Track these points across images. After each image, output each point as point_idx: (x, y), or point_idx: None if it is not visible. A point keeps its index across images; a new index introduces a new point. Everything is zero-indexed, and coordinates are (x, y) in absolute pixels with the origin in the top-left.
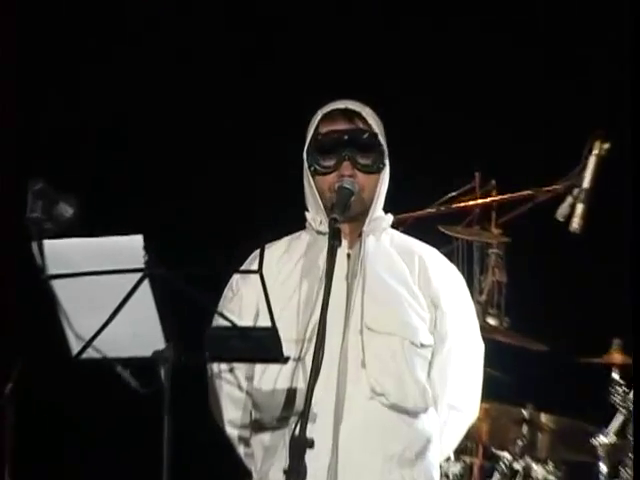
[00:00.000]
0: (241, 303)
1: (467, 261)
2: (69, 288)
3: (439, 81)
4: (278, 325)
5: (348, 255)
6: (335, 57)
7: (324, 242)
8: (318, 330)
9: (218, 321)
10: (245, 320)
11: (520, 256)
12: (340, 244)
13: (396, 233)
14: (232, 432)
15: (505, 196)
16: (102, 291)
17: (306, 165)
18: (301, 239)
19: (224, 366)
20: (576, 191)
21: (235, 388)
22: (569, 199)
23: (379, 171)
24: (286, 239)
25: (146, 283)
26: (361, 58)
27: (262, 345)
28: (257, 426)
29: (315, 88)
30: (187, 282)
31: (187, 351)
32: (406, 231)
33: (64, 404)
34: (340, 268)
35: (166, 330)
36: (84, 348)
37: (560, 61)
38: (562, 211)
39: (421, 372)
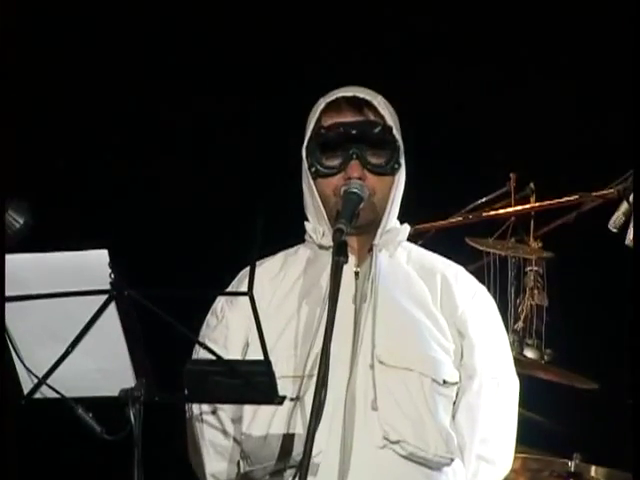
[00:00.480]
0: (227, 332)
1: (500, 281)
2: (20, 313)
3: (467, 66)
4: (272, 358)
5: (356, 274)
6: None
7: (327, 258)
8: (320, 364)
9: (199, 353)
10: (232, 352)
11: (564, 275)
12: (347, 260)
13: (414, 247)
14: None
15: (546, 203)
16: (60, 317)
17: (305, 165)
18: (299, 254)
19: (206, 407)
20: (632, 197)
21: (219, 434)
22: (624, 206)
23: (393, 172)
24: (281, 255)
25: (112, 307)
26: (377, 40)
27: (252, 383)
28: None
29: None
30: (162, 306)
31: (161, 389)
32: (427, 244)
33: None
34: (347, 289)
35: (136, 364)
36: (37, 386)
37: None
38: (615, 221)
39: (445, 415)
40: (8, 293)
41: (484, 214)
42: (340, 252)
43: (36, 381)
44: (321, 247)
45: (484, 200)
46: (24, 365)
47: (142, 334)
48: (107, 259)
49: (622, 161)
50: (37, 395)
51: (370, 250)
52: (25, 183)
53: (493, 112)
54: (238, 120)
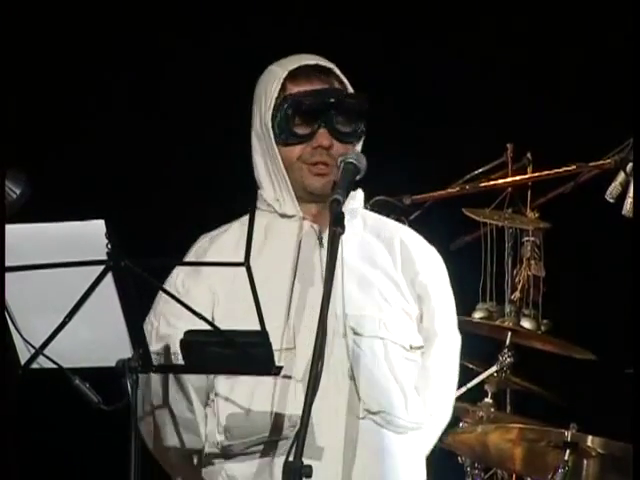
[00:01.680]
0: (194, 306)
1: (497, 251)
2: (17, 283)
3: (463, 35)
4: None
5: (320, 241)
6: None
7: (291, 226)
8: (317, 336)
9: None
10: (190, 326)
11: (561, 245)
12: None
13: (368, 213)
14: (178, 460)
15: (543, 173)
16: (57, 287)
17: (270, 134)
18: (257, 222)
19: (172, 384)
20: (629, 167)
21: (185, 409)
22: (621, 176)
23: (359, 140)
24: (236, 224)
25: (109, 277)
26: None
27: (249, 354)
28: (222, 454)
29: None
30: (159, 277)
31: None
32: (424, 215)
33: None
34: (312, 258)
35: (133, 335)
36: (34, 356)
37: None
38: (613, 191)
39: (413, 380)
40: (5, 263)
41: (481, 185)
42: (337, 223)
43: (33, 351)
44: (283, 216)
45: (481, 171)
46: (21, 335)
47: (139, 304)
48: (104, 229)
49: (619, 131)
50: (34, 365)
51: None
52: (21, 154)
53: (490, 82)
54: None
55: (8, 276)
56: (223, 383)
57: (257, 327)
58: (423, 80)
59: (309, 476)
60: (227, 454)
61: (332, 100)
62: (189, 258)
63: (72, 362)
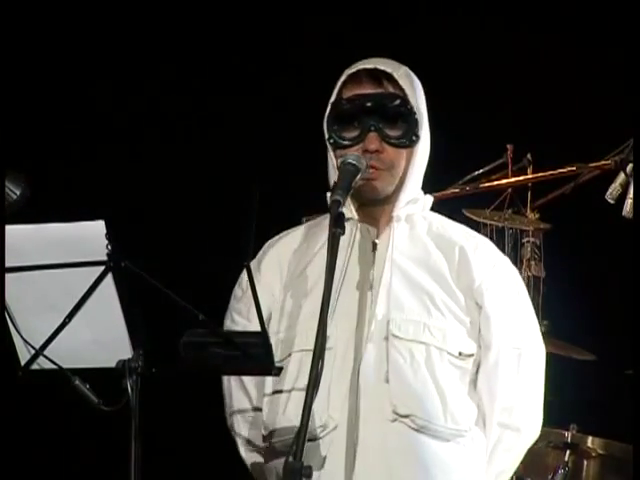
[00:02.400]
0: (250, 304)
1: None
2: (17, 284)
3: (464, 36)
4: (293, 331)
5: (374, 245)
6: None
7: (348, 228)
8: (317, 336)
9: (225, 324)
10: (253, 322)
11: (561, 246)
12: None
13: (437, 218)
14: (249, 457)
15: (543, 174)
16: (57, 288)
17: (326, 136)
18: (322, 226)
19: (235, 379)
20: (629, 168)
21: (247, 405)
22: (621, 177)
23: (412, 145)
24: (305, 226)
25: (109, 278)
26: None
27: (249, 354)
28: (270, 452)
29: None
30: (159, 277)
31: (159, 361)
32: None
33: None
34: (364, 261)
35: (133, 335)
36: (34, 357)
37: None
38: (613, 192)
39: (461, 387)
40: (5, 264)
41: (481, 185)
42: (337, 224)
43: (33, 352)
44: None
45: (481, 171)
46: (21, 336)
47: (139, 305)
48: (104, 230)
49: (619, 131)
50: (34, 366)
51: (390, 222)
52: (22, 155)
53: (490, 82)
54: (239, 94)
55: (8, 276)
56: (269, 381)
57: (305, 324)
58: (423, 80)
59: (309, 477)
60: (274, 452)
61: (369, 104)
62: (260, 253)
63: (72, 363)
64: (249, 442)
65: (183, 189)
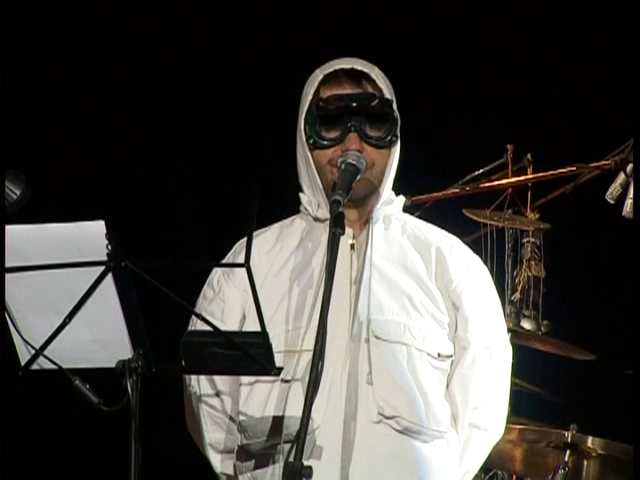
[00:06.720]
0: (224, 305)
1: (497, 252)
2: (17, 284)
3: (464, 35)
4: (269, 331)
5: (352, 246)
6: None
7: (322, 230)
8: (317, 337)
9: (196, 325)
10: (228, 325)
11: (561, 246)
12: (343, 232)
13: (409, 219)
14: (214, 457)
15: (543, 174)
16: (57, 288)
17: (303, 137)
18: (294, 226)
19: (204, 380)
20: (629, 167)
21: (217, 406)
22: (621, 177)
23: (391, 145)
24: (276, 226)
25: (109, 278)
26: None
27: (249, 354)
28: (244, 452)
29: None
30: (159, 278)
31: (159, 361)
32: (424, 215)
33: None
34: (343, 262)
35: (133, 336)
36: (35, 357)
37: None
38: (613, 192)
39: (439, 388)
40: (5, 264)
41: (481, 185)
42: (337, 224)
43: (33, 352)
44: (316, 219)
45: (481, 171)
46: (21, 336)
47: (139, 305)
48: (104, 230)
49: (619, 132)
50: (34, 366)
51: (366, 222)
52: (22, 155)
53: (490, 82)
54: (234, 93)
55: (8, 277)
56: (245, 384)
57: (282, 326)
58: (423, 80)
59: (309, 477)
60: (249, 453)
61: (354, 105)
62: (229, 255)
63: (72, 363)
64: (213, 445)
65: (183, 189)
